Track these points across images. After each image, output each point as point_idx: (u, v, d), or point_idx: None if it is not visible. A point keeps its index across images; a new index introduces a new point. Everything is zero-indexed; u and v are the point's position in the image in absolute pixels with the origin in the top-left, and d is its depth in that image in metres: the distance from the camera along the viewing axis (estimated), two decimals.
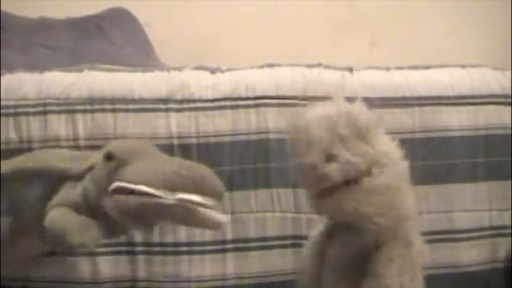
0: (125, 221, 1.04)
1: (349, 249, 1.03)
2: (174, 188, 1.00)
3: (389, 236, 1.00)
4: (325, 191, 0.99)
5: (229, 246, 1.30)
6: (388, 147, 1.01)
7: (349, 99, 1.03)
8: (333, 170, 0.96)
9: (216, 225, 1.03)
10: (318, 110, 1.00)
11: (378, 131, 1.01)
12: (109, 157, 1.04)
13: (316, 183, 0.98)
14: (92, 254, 1.27)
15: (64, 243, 1.01)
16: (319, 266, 1.07)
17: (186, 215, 1.01)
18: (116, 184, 1.02)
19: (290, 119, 1.05)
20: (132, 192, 1.01)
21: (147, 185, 1.00)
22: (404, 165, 1.01)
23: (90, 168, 1.07)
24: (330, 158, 0.96)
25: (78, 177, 1.08)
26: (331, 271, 1.05)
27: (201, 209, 1.00)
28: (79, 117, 1.29)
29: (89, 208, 1.05)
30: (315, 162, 0.96)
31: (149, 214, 1.03)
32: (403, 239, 1.01)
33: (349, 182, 0.97)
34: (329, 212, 1.02)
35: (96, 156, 1.08)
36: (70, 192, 1.07)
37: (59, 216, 1.05)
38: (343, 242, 1.03)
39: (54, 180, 1.09)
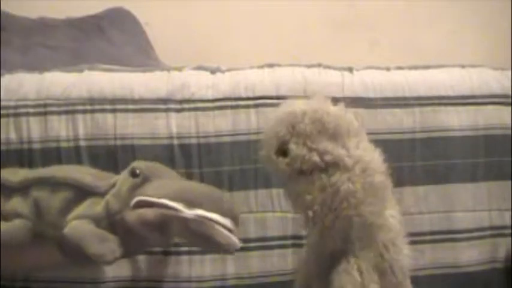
0: (145, 233, 1.06)
1: (311, 254, 1.07)
2: (193, 204, 1.04)
3: (349, 246, 1.01)
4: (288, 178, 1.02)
5: None
6: (366, 156, 1.01)
7: (334, 101, 1.04)
8: (283, 164, 0.99)
9: (230, 247, 1.06)
10: (285, 107, 1.04)
11: (357, 136, 1.02)
12: (134, 173, 1.09)
13: (273, 173, 1.04)
14: None
15: (82, 253, 1.03)
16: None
17: (204, 231, 1.04)
18: (138, 198, 1.06)
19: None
20: (153, 206, 1.05)
21: (167, 199, 1.04)
22: (379, 178, 1.01)
23: (113, 185, 1.11)
24: (281, 151, 1.00)
25: (103, 194, 1.11)
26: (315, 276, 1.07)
27: (218, 226, 1.04)
28: (79, 117, 1.29)
29: (110, 224, 1.08)
30: (267, 156, 1.00)
31: (168, 227, 1.05)
32: (369, 252, 1.01)
33: (305, 173, 1.00)
34: (285, 197, 1.06)
35: (121, 176, 1.12)
36: (92, 206, 1.10)
37: (78, 227, 1.07)
38: (308, 245, 1.08)
39: (80, 193, 1.12)
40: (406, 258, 1.06)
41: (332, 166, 0.99)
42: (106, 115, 1.30)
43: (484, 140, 1.37)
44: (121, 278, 1.28)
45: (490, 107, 1.38)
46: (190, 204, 1.04)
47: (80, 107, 1.30)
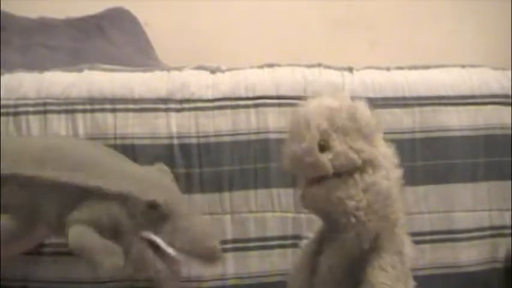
0: (134, 263, 1.06)
1: (340, 257, 1.03)
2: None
3: (379, 243, 1.01)
4: (315, 180, 0.99)
5: (229, 246, 1.30)
6: (387, 152, 1.02)
7: (352, 99, 1.03)
8: (326, 159, 0.96)
9: None
10: (320, 101, 1.01)
11: (378, 133, 1.02)
12: (152, 206, 1.05)
13: (308, 171, 0.98)
14: None
15: (93, 265, 1.02)
16: (310, 278, 1.08)
17: None
18: (153, 238, 1.05)
19: (293, 109, 1.05)
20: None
21: (178, 250, 1.04)
22: (398, 173, 1.02)
23: (121, 196, 1.06)
24: (325, 147, 0.96)
25: (106, 197, 1.07)
26: (323, 282, 1.05)
27: None
28: (79, 116, 1.29)
29: (112, 237, 1.05)
30: (310, 148, 0.96)
31: (148, 271, 1.06)
32: (394, 246, 1.02)
33: (341, 174, 0.98)
34: (314, 201, 1.01)
35: (127, 185, 1.07)
36: (96, 212, 1.07)
37: (83, 236, 1.05)
38: (335, 249, 1.03)
39: (78, 194, 1.08)
40: (410, 251, 1.06)
41: (368, 165, 0.98)
42: (106, 115, 1.30)
43: (484, 140, 1.37)
44: (119, 278, 1.28)
45: (490, 107, 1.38)
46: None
47: (80, 107, 1.30)
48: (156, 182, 1.12)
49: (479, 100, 1.38)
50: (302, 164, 0.97)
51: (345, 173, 0.97)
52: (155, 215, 1.05)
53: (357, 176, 0.97)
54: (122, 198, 1.06)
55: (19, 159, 1.11)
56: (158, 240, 1.05)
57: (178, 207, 1.07)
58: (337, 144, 0.96)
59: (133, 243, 1.05)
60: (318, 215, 1.07)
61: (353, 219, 0.97)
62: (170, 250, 1.04)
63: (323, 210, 1.02)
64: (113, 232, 1.06)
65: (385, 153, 1.00)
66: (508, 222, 1.36)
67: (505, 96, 1.39)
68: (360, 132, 0.98)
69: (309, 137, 0.96)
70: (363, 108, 1.00)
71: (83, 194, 1.08)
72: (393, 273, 1.00)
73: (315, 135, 0.96)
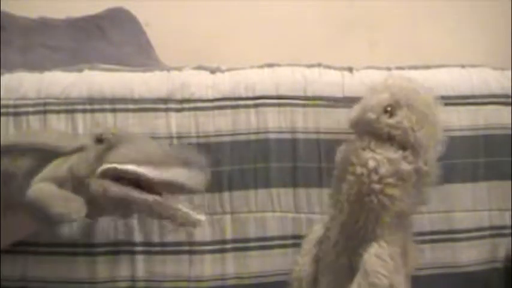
0: (107, 205, 1.06)
1: (345, 239, 1.06)
2: (161, 166, 1.02)
3: (380, 232, 1.02)
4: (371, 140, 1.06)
5: (229, 246, 1.30)
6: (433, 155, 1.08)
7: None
8: (386, 121, 1.04)
9: (192, 225, 1.06)
10: (406, 79, 1.10)
11: (437, 139, 1.10)
12: (99, 140, 1.07)
13: (367, 127, 1.06)
14: (91, 254, 1.27)
15: (47, 213, 1.02)
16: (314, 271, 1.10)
17: (165, 213, 1.04)
18: (104, 167, 1.04)
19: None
20: (119, 177, 1.03)
21: (135, 164, 1.03)
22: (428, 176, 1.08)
23: (80, 149, 1.09)
24: (391, 114, 1.04)
25: (67, 155, 1.10)
26: (327, 271, 1.07)
27: (181, 205, 1.04)
28: (79, 116, 1.29)
29: (74, 186, 1.07)
30: (376, 106, 1.04)
31: (131, 206, 1.05)
32: (396, 241, 1.03)
33: (392, 144, 1.04)
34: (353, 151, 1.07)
35: (85, 138, 1.11)
36: (56, 168, 1.09)
37: (41, 188, 1.07)
38: (342, 228, 1.07)
39: (44, 156, 1.11)
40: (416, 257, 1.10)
41: (412, 152, 1.03)
42: (106, 115, 1.30)
43: (484, 140, 1.37)
44: (120, 278, 1.28)
45: (490, 106, 1.38)
46: (158, 166, 1.02)
47: (80, 107, 1.30)
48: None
49: (479, 100, 1.38)
50: (364, 119, 1.05)
51: (395, 144, 1.03)
52: (104, 146, 1.06)
53: (394, 145, 1.03)
54: (76, 151, 1.09)
55: None
56: (113, 166, 1.04)
57: (127, 138, 1.09)
58: (403, 116, 1.03)
59: (90, 189, 1.05)
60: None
61: (366, 179, 1.02)
62: (129, 166, 1.03)
63: (346, 160, 1.07)
64: (72, 185, 1.07)
65: (430, 156, 1.05)
66: (508, 222, 1.36)
67: (505, 96, 1.39)
68: (428, 124, 1.04)
69: (379, 98, 1.04)
70: (439, 105, 1.08)
71: (43, 157, 1.10)
72: (392, 264, 1.01)
73: (385, 98, 1.03)
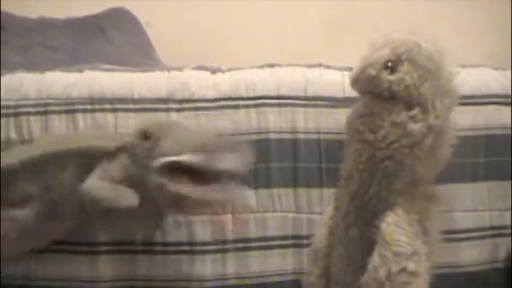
0: (165, 202, 1.07)
1: (358, 197, 1.02)
2: (212, 153, 1.04)
3: (393, 200, 0.99)
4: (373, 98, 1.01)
5: (230, 246, 1.30)
6: (445, 114, 1.02)
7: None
8: (387, 78, 0.98)
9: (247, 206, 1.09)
10: (410, 33, 1.04)
11: (453, 98, 1.02)
12: (145, 136, 1.07)
13: (368, 84, 1.00)
14: (93, 253, 1.28)
15: (102, 201, 1.04)
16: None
17: (222, 199, 1.08)
18: (162, 161, 1.05)
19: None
20: (176, 167, 1.03)
21: (189, 152, 1.04)
22: (447, 135, 1.03)
23: (124, 148, 1.09)
24: (393, 69, 0.98)
25: (113, 154, 1.10)
26: (337, 243, 1.06)
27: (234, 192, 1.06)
28: (79, 117, 1.29)
29: (129, 187, 1.07)
30: (376, 63, 0.99)
31: (186, 203, 1.06)
32: (413, 208, 1.00)
33: (395, 103, 0.99)
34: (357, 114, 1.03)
35: (127, 136, 1.11)
36: (107, 168, 1.09)
37: (97, 181, 1.07)
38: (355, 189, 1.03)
39: (89, 159, 1.10)
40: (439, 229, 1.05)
41: (420, 110, 0.98)
42: (106, 115, 1.30)
43: (484, 140, 1.37)
44: (121, 277, 1.28)
45: (490, 107, 1.38)
46: (208, 153, 1.04)
47: (80, 107, 1.30)
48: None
49: (480, 100, 1.38)
50: (364, 75, 1.00)
51: (398, 102, 0.98)
52: (152, 141, 1.06)
53: (399, 106, 0.98)
54: (120, 149, 1.09)
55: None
56: (170, 159, 1.04)
57: (168, 127, 1.10)
58: (404, 72, 0.97)
59: (149, 186, 1.05)
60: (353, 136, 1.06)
61: (371, 137, 0.98)
62: (184, 157, 1.03)
63: (354, 128, 1.03)
64: (128, 186, 1.07)
65: (440, 109, 0.99)
66: (508, 222, 1.36)
67: (505, 96, 1.39)
68: (433, 77, 0.98)
69: (379, 54, 0.99)
70: (447, 60, 1.02)
71: (88, 161, 1.10)
72: (411, 231, 0.98)
73: (385, 54, 0.98)
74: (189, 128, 1.15)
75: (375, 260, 0.97)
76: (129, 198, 1.04)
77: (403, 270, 0.96)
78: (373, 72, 0.98)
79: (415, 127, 0.97)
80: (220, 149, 1.04)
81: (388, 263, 0.96)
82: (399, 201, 1.00)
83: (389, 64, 0.98)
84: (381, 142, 0.98)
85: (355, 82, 1.02)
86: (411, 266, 0.96)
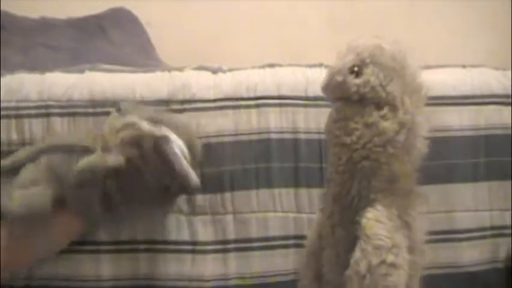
0: (127, 152, 1.13)
1: (340, 198, 1.05)
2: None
3: (373, 197, 1.01)
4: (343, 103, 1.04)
5: (231, 246, 1.30)
6: (416, 111, 1.04)
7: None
8: (353, 82, 1.01)
9: (190, 183, 1.14)
10: (373, 37, 1.07)
11: (419, 94, 1.05)
12: (119, 109, 1.20)
13: (336, 90, 1.04)
14: (95, 252, 1.28)
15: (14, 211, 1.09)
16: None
17: (168, 154, 1.13)
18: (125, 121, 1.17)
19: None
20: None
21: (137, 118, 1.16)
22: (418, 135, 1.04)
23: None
24: (358, 73, 1.01)
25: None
26: (325, 244, 1.08)
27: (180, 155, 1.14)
28: (81, 119, 1.29)
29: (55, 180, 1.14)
30: (342, 68, 1.01)
31: (142, 145, 1.13)
32: (393, 204, 1.02)
33: (365, 105, 1.01)
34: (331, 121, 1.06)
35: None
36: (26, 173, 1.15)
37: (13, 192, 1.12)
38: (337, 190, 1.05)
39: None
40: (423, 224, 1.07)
41: (389, 108, 1.01)
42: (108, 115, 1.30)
43: (485, 140, 1.37)
44: (123, 277, 1.29)
45: (490, 107, 1.38)
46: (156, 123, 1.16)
47: (82, 109, 1.30)
48: None
49: (480, 100, 1.38)
50: (332, 83, 1.03)
51: (368, 104, 1.01)
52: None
53: (369, 108, 1.01)
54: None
55: None
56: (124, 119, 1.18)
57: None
58: (369, 74, 1.00)
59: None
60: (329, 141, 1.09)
61: (347, 139, 1.01)
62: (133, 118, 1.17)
63: (330, 133, 1.05)
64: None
65: (410, 109, 1.01)
66: (508, 222, 1.36)
67: (506, 96, 1.39)
68: (398, 76, 1.01)
69: (344, 60, 1.02)
70: (410, 58, 1.05)
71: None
72: (391, 224, 1.00)
73: (350, 59, 1.01)
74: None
75: (356, 254, 0.99)
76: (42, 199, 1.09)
77: (383, 262, 0.98)
78: (340, 78, 1.01)
79: (386, 125, 1.00)
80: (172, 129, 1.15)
81: (368, 256, 0.98)
82: (379, 198, 1.02)
83: (355, 69, 1.01)
84: (357, 143, 1.01)
85: (325, 90, 1.06)
86: (390, 258, 0.98)
